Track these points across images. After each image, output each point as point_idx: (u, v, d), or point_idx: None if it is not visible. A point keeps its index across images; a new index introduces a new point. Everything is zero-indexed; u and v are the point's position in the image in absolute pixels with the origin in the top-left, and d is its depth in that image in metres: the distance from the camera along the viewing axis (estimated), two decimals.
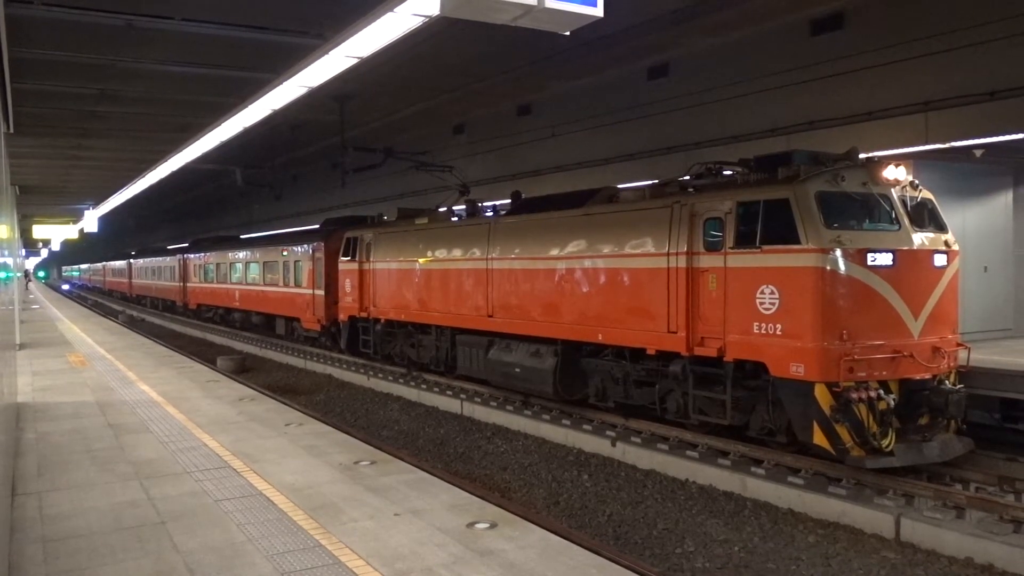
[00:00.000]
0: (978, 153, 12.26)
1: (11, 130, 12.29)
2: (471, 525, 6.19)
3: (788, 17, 13.08)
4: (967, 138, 11.45)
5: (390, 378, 17.68)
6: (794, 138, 12.99)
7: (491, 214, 15.91)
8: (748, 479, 9.58)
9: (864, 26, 12.25)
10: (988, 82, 10.80)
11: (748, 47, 13.90)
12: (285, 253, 24.16)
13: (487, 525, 6.18)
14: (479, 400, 14.81)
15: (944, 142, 11.50)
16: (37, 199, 38.33)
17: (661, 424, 11.56)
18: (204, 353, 23.33)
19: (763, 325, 9.30)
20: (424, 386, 16.46)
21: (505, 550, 5.66)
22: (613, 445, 11.40)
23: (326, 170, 27.09)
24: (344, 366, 19.87)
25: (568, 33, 5.96)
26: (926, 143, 11.60)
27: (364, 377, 18.42)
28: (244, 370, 20.45)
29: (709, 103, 14.20)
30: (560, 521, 8.79)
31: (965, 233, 13.19)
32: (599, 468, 10.94)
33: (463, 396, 15.19)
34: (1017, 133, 10.80)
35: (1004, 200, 15.15)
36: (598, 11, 5.54)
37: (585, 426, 12.33)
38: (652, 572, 6.83)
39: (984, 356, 11.15)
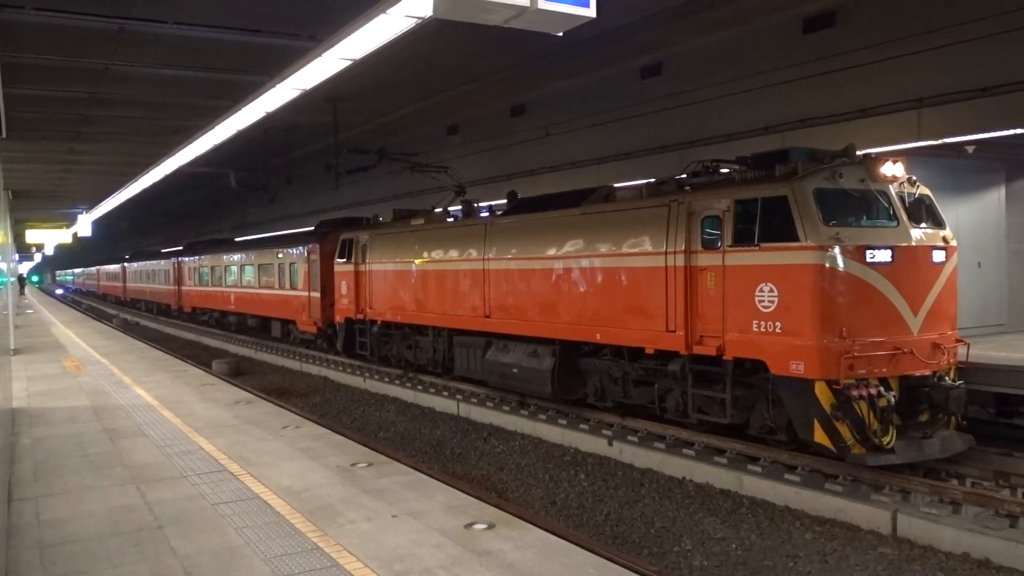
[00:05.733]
0: (970, 149, 12.31)
1: (3, 135, 12.23)
2: (469, 526, 6.19)
3: (780, 15, 13.10)
4: (959, 134, 11.49)
5: (386, 380, 17.66)
6: (788, 136, 13.02)
7: (487, 214, 15.90)
8: (745, 476, 9.59)
9: (856, 23, 12.28)
10: (980, 78, 10.83)
11: (741, 45, 13.93)
12: (280, 255, 24.12)
13: (485, 525, 6.18)
14: (475, 401, 14.81)
15: (937, 138, 11.54)
16: (30, 203, 38.21)
17: (658, 423, 11.56)
18: (199, 356, 23.28)
19: (762, 323, 9.28)
20: (420, 387, 16.45)
21: (503, 550, 5.67)
22: (610, 444, 11.41)
23: (320, 172, 27.06)
24: (340, 368, 19.85)
25: (561, 34, 5.96)
26: (919, 139, 11.64)
27: (360, 379, 18.40)
28: (239, 373, 20.40)
29: (702, 102, 14.21)
30: (558, 521, 8.79)
31: (958, 229, 13.17)
32: (596, 467, 10.95)
33: (459, 397, 15.18)
34: (1009, 129, 10.83)
35: (997, 196, 15.20)
36: (591, 11, 5.54)
37: (582, 425, 12.34)
38: (650, 571, 6.84)
39: (978, 351, 11.17)
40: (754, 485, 9.45)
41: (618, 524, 8.78)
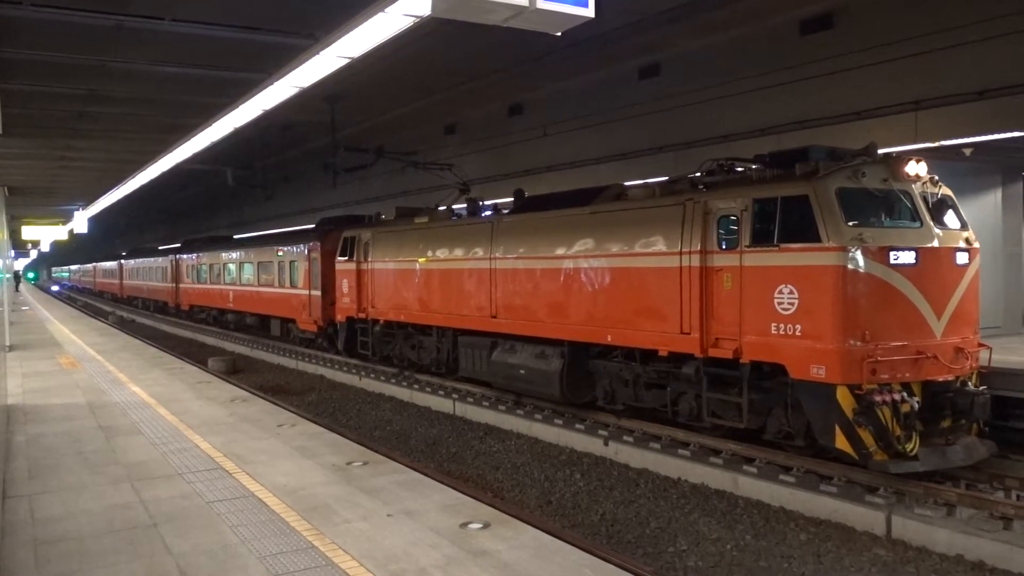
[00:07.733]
0: (967, 152, 12.32)
1: (0, 131, 12.23)
2: (464, 525, 6.19)
3: (778, 17, 13.12)
4: (957, 137, 11.50)
5: (382, 378, 17.65)
6: (784, 138, 13.02)
7: (490, 213, 15.82)
8: (740, 477, 9.60)
9: (853, 26, 12.29)
10: (978, 81, 10.86)
11: (739, 47, 13.94)
12: (280, 253, 24.06)
13: (480, 525, 6.18)
14: (471, 400, 14.80)
15: (934, 141, 11.55)
16: (26, 200, 38.12)
17: (654, 423, 11.55)
18: (195, 354, 23.26)
19: (781, 326, 9.06)
20: (416, 386, 16.44)
21: (499, 550, 5.66)
22: (606, 444, 11.41)
23: (318, 170, 27.02)
24: (336, 367, 19.84)
25: (559, 34, 5.97)
26: (916, 142, 11.65)
27: (356, 377, 18.40)
28: (235, 371, 20.39)
29: (700, 103, 14.21)
30: (553, 521, 8.80)
31: None
32: (591, 467, 10.95)
33: (455, 396, 15.18)
34: (1006, 132, 10.86)
35: (993, 198, 15.24)
36: (589, 12, 5.55)
37: (578, 425, 12.34)
38: (645, 571, 6.85)
39: None
40: (749, 486, 9.46)
41: (613, 524, 8.79)
